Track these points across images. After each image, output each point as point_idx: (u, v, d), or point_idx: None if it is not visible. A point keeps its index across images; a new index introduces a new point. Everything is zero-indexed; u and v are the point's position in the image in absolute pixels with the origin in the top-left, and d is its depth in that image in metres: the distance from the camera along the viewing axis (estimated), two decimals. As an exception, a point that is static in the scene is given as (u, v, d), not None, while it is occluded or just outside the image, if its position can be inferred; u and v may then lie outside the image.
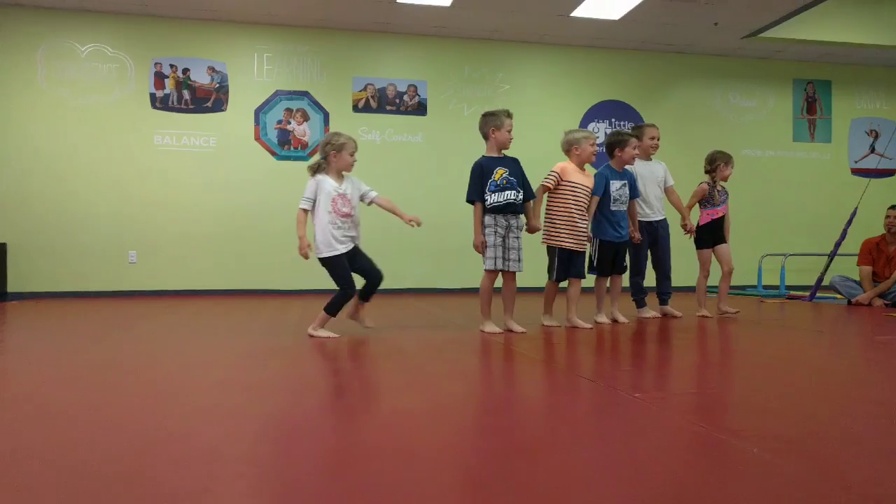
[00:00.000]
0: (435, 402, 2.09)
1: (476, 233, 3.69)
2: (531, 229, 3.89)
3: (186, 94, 7.33)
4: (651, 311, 4.60)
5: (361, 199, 3.75)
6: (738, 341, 3.56)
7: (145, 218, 7.17)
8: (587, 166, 4.13)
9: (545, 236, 4.01)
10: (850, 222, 6.18)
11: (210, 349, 3.22)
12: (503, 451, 1.50)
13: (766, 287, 7.88)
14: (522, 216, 3.84)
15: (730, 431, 1.67)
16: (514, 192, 3.73)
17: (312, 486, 1.29)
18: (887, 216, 5.71)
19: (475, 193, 3.72)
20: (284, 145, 7.54)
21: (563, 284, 4.11)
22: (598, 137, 4.15)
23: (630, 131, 4.53)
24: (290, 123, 7.56)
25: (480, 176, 3.73)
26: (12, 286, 6.84)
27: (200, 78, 7.35)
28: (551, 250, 4.01)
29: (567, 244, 3.95)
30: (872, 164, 8.78)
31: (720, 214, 4.65)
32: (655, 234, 4.58)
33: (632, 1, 6.75)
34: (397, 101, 7.77)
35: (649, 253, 4.63)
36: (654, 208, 4.60)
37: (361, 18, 7.29)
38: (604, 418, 1.88)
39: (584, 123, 8.13)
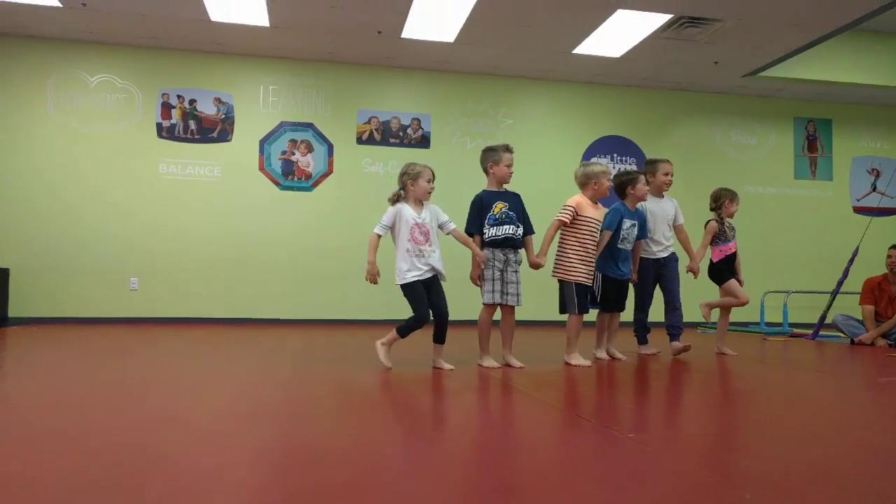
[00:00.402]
0: (422, 434, 2.06)
1: (473, 265, 3.70)
2: (532, 265, 3.84)
3: (192, 125, 7.41)
4: (652, 348, 4.56)
5: (440, 227, 3.74)
6: (739, 380, 3.53)
7: (148, 245, 7.20)
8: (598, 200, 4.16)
9: (559, 271, 3.97)
10: (851, 261, 6.16)
11: (207, 377, 3.19)
12: (490, 489, 1.48)
13: (768, 324, 7.83)
14: (521, 251, 3.83)
15: (724, 475, 1.64)
16: (513, 226, 3.74)
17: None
18: (889, 255, 5.70)
19: (473, 226, 3.75)
20: (288, 176, 7.59)
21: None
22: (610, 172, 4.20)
23: (637, 169, 4.51)
24: (294, 154, 7.63)
25: (480, 209, 3.76)
26: (14, 311, 6.84)
27: (207, 108, 7.45)
28: (566, 285, 3.95)
29: (583, 279, 3.92)
30: (874, 202, 8.79)
31: (732, 250, 4.65)
32: (662, 269, 4.50)
33: (633, 39, 6.85)
34: (401, 133, 7.85)
35: (658, 288, 4.55)
36: (661, 245, 4.51)
37: (367, 53, 7.41)
38: (596, 459, 1.86)
39: (586, 159, 8.17)
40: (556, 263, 3.99)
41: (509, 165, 3.81)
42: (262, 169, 7.54)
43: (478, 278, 3.69)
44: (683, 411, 2.65)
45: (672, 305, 4.46)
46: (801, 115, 8.83)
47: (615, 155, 8.26)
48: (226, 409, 2.49)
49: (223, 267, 7.31)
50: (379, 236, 3.64)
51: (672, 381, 3.45)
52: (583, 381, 3.30)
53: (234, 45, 7.26)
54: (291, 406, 2.59)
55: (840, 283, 6.19)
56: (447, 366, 3.60)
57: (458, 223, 3.81)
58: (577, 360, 3.87)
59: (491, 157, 3.82)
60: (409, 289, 3.59)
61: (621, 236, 4.17)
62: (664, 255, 4.51)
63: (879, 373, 3.99)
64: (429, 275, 3.59)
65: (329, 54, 7.50)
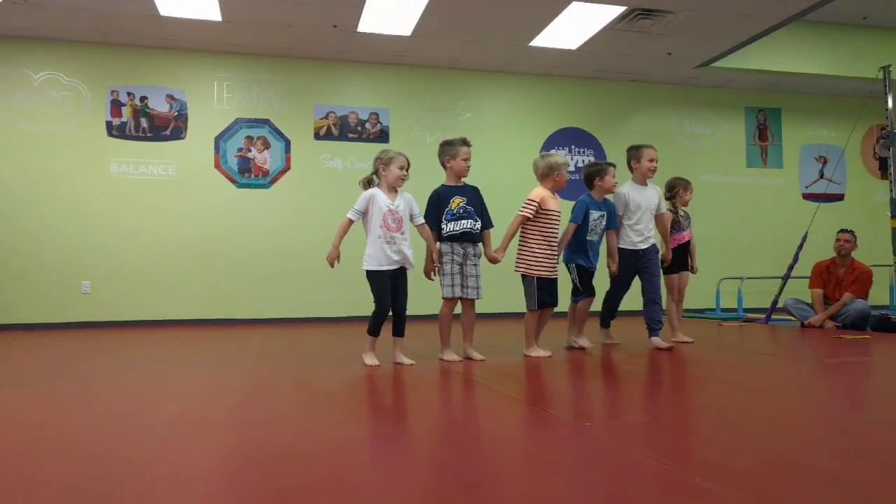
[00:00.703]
0: (384, 432, 2.06)
1: (427, 259, 3.74)
2: (490, 260, 3.83)
3: (144, 122, 7.23)
4: (612, 338, 4.59)
5: (411, 219, 3.72)
6: (694, 366, 3.61)
7: (101, 247, 7.00)
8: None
9: (521, 265, 3.92)
10: (801, 246, 6.35)
11: (164, 381, 3.13)
12: (453, 486, 1.49)
13: (724, 310, 8.03)
14: (481, 244, 3.84)
15: (676, 461, 1.67)
16: (470, 221, 3.74)
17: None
18: (837, 239, 5.88)
19: (430, 221, 3.75)
20: (245, 173, 7.47)
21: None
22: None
23: (605, 161, 4.44)
24: (250, 151, 7.50)
25: (437, 204, 3.77)
26: (-42, 320, 6.59)
27: (159, 106, 7.27)
28: (528, 279, 3.91)
29: (545, 273, 3.89)
30: (821, 188, 9.08)
31: (686, 239, 4.73)
32: (642, 261, 4.34)
33: (588, 32, 6.92)
34: (359, 128, 7.79)
35: (638, 280, 4.41)
36: (642, 236, 4.35)
37: (322, 47, 7.32)
38: (550, 447, 1.88)
39: (545, 151, 8.24)
40: (517, 258, 3.95)
41: (466, 159, 3.79)
42: (217, 167, 7.40)
43: (431, 273, 3.74)
44: (637, 399, 2.70)
45: (652, 299, 4.30)
46: (752, 104, 9.05)
47: (573, 147, 8.34)
48: (183, 413, 2.44)
49: (180, 268, 7.16)
50: (350, 221, 3.60)
51: (629, 369, 3.51)
52: (543, 372, 3.34)
53: (186, 41, 7.10)
54: (251, 409, 2.56)
55: (790, 268, 6.38)
56: (407, 360, 3.60)
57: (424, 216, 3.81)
58: (536, 352, 3.88)
59: (448, 150, 3.82)
60: (373, 277, 3.58)
61: (590, 227, 4.16)
62: (644, 246, 4.36)
63: (828, 354, 4.12)
64: (395, 266, 3.58)
65: (284, 49, 7.38)
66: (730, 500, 1.37)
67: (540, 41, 7.17)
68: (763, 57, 8.01)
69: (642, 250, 4.37)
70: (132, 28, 6.73)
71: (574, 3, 6.25)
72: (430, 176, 4.43)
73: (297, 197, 7.52)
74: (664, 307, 4.57)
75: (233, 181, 7.42)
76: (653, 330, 4.30)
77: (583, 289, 4.24)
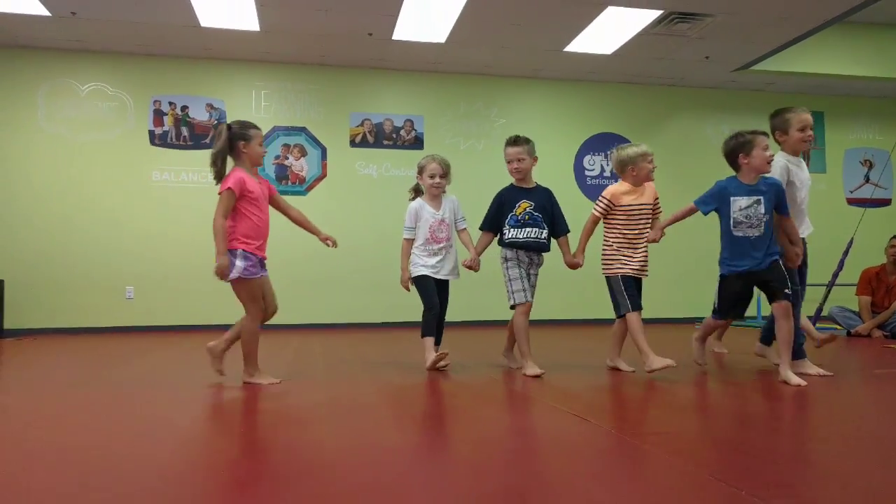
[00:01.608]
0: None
1: (476, 255, 3.63)
2: (570, 265, 3.61)
3: (185, 131, 7.40)
4: (812, 367, 3.43)
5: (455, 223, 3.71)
6: (730, 378, 3.53)
7: (143, 253, 7.18)
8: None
9: (603, 266, 3.56)
10: (846, 252, 6.17)
11: (206, 384, 3.18)
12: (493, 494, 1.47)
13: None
14: (544, 254, 3.64)
15: (722, 476, 1.64)
16: (536, 229, 3.52)
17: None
18: (892, 245, 5.71)
19: (487, 223, 3.62)
20: (282, 180, 7.58)
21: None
22: (652, 153, 3.61)
23: (753, 129, 3.34)
24: (287, 158, 7.61)
25: (500, 207, 3.59)
26: (9, 322, 6.80)
27: (199, 115, 7.43)
28: (611, 280, 3.52)
29: (623, 270, 3.47)
30: (867, 193, 8.82)
31: None
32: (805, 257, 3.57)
33: (623, 36, 6.85)
34: (394, 135, 7.84)
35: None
36: (804, 223, 3.56)
37: (358, 55, 7.40)
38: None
39: (579, 156, 8.19)
40: (601, 259, 3.59)
41: (510, 161, 3.61)
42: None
43: (473, 265, 3.62)
44: (673, 411, 2.65)
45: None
46: (793, 108, 8.84)
47: (607, 153, 8.26)
48: (225, 416, 2.48)
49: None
50: (408, 241, 3.65)
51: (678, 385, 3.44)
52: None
53: (225, 51, 7.24)
54: (294, 412, 2.58)
55: (835, 276, 6.20)
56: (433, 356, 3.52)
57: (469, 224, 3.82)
58: (657, 362, 3.22)
59: (505, 153, 3.69)
60: (418, 282, 3.59)
61: (734, 220, 3.27)
62: (804, 236, 3.54)
63: (876, 364, 3.99)
64: (441, 276, 3.59)
65: (320, 57, 7.48)
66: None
67: (574, 46, 7.13)
68: (804, 59, 7.83)
69: (804, 241, 3.55)
70: (174, 39, 6.90)
71: (610, 8, 6.20)
72: (467, 183, 4.44)
73: (333, 203, 7.60)
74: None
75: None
76: (795, 353, 3.38)
77: (718, 305, 3.47)
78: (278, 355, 4.59)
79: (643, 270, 3.51)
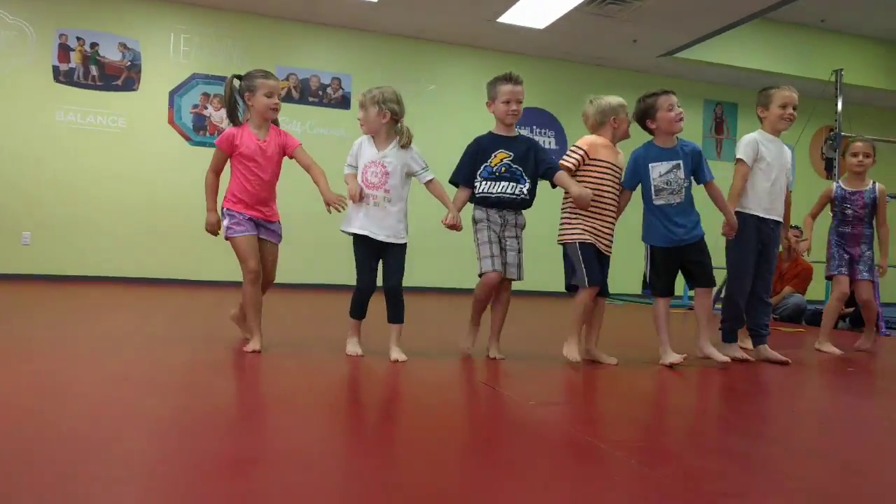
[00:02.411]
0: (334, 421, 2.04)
1: (455, 212, 2.94)
2: (578, 203, 2.93)
3: (94, 70, 6.92)
4: (739, 351, 3.33)
5: (414, 176, 2.95)
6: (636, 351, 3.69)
7: (43, 197, 6.72)
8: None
9: (560, 233, 3.04)
10: (747, 238, 6.54)
11: (103, 340, 3.04)
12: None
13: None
14: (524, 213, 3.07)
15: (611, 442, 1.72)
16: (511, 184, 2.96)
17: (201, 490, 1.24)
18: (785, 237, 6.07)
19: (460, 175, 3.03)
20: (200, 130, 7.25)
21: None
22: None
23: (654, 91, 3.21)
24: (206, 108, 7.28)
25: (474, 156, 3.02)
26: None
27: (110, 54, 6.96)
28: (569, 248, 2.98)
29: (584, 236, 2.95)
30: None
31: None
32: (766, 240, 3.37)
33: (557, 11, 6.90)
34: (320, 93, 7.64)
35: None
36: (774, 204, 3.36)
37: (287, 6, 7.11)
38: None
39: (506, 128, 8.25)
40: (559, 225, 3.07)
41: (508, 101, 3.00)
42: (171, 122, 7.16)
43: (452, 224, 2.92)
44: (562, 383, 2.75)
45: (760, 296, 3.38)
46: (711, 97, 9.22)
47: (535, 127, 8.36)
48: (126, 374, 2.38)
49: (127, 223, 6.94)
50: (351, 175, 2.93)
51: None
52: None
53: (143, -13, 6.79)
54: (200, 371, 2.51)
55: (736, 260, 6.57)
56: (400, 356, 2.80)
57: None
58: (572, 351, 2.87)
59: (489, 91, 3.11)
60: (353, 244, 2.91)
61: (654, 188, 3.03)
62: (772, 218, 3.36)
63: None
64: (379, 236, 2.84)
65: (248, 4, 7.14)
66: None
67: (508, 17, 7.12)
68: (724, 51, 8.15)
69: (771, 224, 3.36)
70: (85, -31, 6.40)
71: (545, -18, 6.22)
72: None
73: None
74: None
75: (187, 138, 7.20)
76: (761, 336, 3.39)
77: (652, 279, 3.13)
78: (189, 310, 4.43)
79: (608, 248, 3.03)
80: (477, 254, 2.97)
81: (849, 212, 3.98)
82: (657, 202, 3.04)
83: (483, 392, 2.39)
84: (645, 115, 3.12)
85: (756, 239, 3.31)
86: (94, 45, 6.91)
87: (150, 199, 7.01)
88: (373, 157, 2.90)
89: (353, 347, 2.91)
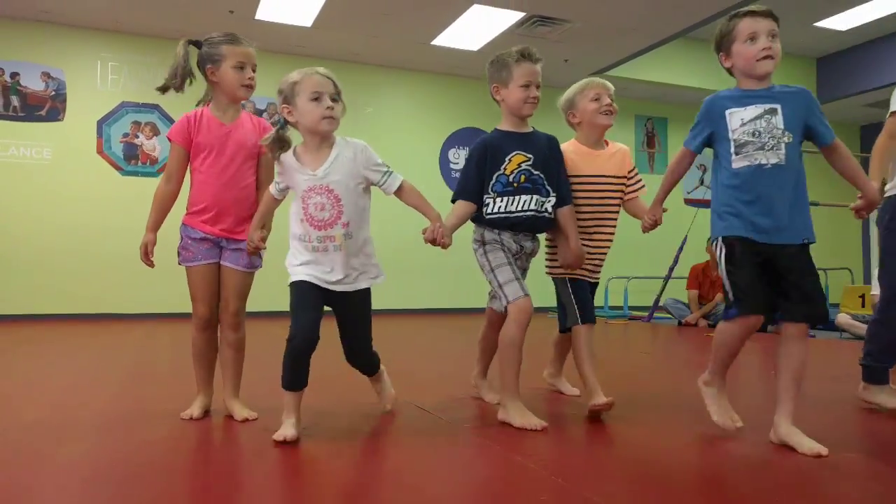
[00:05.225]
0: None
1: (439, 221, 2.08)
2: (568, 262, 2.34)
3: (16, 101, 6.67)
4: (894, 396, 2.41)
5: (378, 187, 2.11)
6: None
7: (-38, 236, 6.40)
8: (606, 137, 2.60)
9: (547, 264, 2.50)
10: (681, 249, 6.77)
11: (26, 383, 2.90)
12: None
13: (611, 308, 8.44)
14: (540, 237, 2.41)
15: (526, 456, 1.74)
16: (536, 197, 2.25)
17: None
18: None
19: (464, 190, 2.27)
20: (131, 160, 7.06)
21: None
22: (605, 88, 2.53)
23: (750, 11, 2.06)
24: (137, 137, 7.10)
25: (481, 161, 2.26)
26: None
27: (33, 84, 6.73)
28: (557, 285, 2.46)
29: (574, 273, 2.41)
30: (701, 194, 9.72)
31: None
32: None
33: (489, 34, 7.05)
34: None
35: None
36: None
37: (218, 32, 7.02)
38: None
39: (444, 149, 8.33)
40: (546, 255, 2.52)
41: (528, 85, 2.27)
42: (100, 152, 6.95)
43: (437, 239, 2.07)
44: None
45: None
46: (641, 113, 9.55)
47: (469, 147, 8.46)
48: (42, 420, 2.28)
49: (57, 258, 6.67)
50: (274, 199, 2.18)
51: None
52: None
53: (65, 15, 6.60)
54: (128, 417, 2.42)
55: (671, 270, 6.79)
56: (388, 405, 2.31)
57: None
58: (601, 397, 2.23)
59: (496, 74, 2.32)
60: (292, 290, 2.04)
61: (734, 142, 2.00)
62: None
63: (697, 352, 4.43)
64: (334, 286, 2.03)
65: (177, 32, 7.01)
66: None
67: (442, 41, 7.23)
68: (653, 69, 8.47)
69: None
70: (3, -2, 6.19)
71: (475, 6, 6.34)
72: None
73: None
74: None
75: (118, 168, 7.00)
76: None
77: (736, 293, 1.93)
78: (120, 348, 4.27)
79: (595, 272, 2.49)
80: (492, 282, 2.24)
81: None
82: (737, 165, 1.98)
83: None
84: (719, 47, 2.15)
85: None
86: (14, 74, 6.66)
87: (82, 232, 6.76)
88: (308, 179, 2.02)
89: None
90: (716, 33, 2.15)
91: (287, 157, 2.06)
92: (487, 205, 2.25)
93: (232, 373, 2.29)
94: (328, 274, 2.03)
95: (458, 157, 8.35)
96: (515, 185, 2.24)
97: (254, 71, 2.31)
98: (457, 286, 7.81)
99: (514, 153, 2.26)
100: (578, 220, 2.38)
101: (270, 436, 1.92)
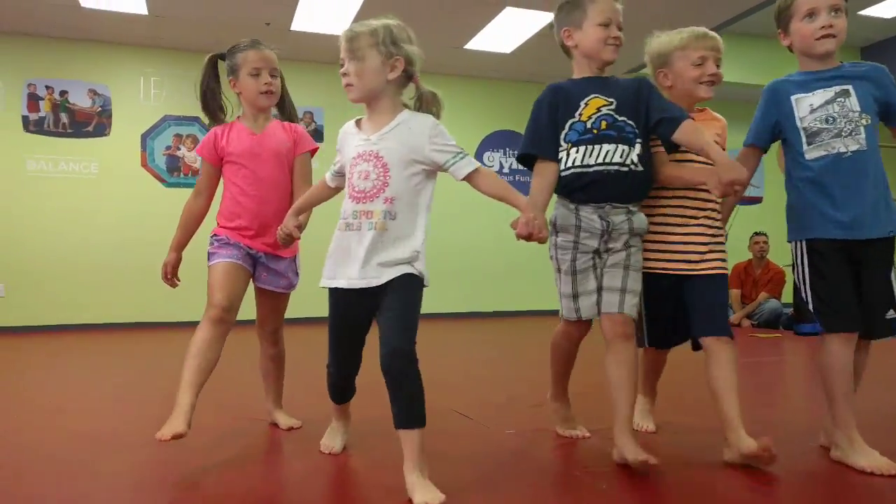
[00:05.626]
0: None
1: (532, 210, 1.70)
2: (724, 180, 1.74)
3: (64, 118, 6.91)
4: None
5: (445, 170, 1.78)
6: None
7: (17, 248, 6.65)
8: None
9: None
10: (722, 247, 6.65)
11: (73, 393, 3.01)
12: None
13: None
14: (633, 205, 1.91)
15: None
16: (621, 146, 1.85)
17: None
18: (756, 242, 6.20)
19: (535, 141, 1.93)
20: (174, 172, 7.25)
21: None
22: (712, 42, 2.14)
23: None
24: (179, 149, 7.28)
25: (554, 109, 1.91)
26: None
27: (80, 101, 6.96)
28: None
29: (653, 262, 1.95)
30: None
31: None
32: None
33: (521, 36, 7.04)
34: (293, 127, 7.67)
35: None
36: None
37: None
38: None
39: (479, 152, 8.34)
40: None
41: (606, 23, 1.94)
42: (144, 165, 7.15)
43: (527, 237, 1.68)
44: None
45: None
46: (678, 110, 9.39)
47: (507, 149, 8.45)
48: (88, 431, 2.35)
49: (104, 269, 6.88)
50: (326, 187, 1.95)
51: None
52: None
53: (110, 34, 6.81)
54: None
55: (712, 269, 6.67)
56: (431, 497, 1.55)
57: None
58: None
59: (566, 17, 2.00)
60: (329, 301, 1.81)
61: (805, 132, 1.86)
62: None
63: (742, 353, 4.34)
64: (365, 283, 1.69)
65: (215, 45, 7.12)
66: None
67: (475, 44, 7.24)
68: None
69: None
70: (51, 19, 6.41)
71: (508, 8, 6.34)
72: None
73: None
74: None
75: (161, 180, 7.19)
76: None
77: (820, 300, 1.79)
78: (167, 357, 4.39)
79: (700, 260, 1.93)
80: (557, 287, 1.93)
81: None
82: (811, 156, 1.81)
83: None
84: (778, 23, 1.96)
85: None
86: (63, 92, 6.90)
87: (127, 244, 6.97)
88: (360, 145, 1.76)
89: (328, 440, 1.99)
90: (774, 8, 1.95)
91: (348, 123, 1.86)
92: (560, 160, 1.87)
93: (274, 384, 2.33)
94: (346, 266, 1.70)
95: (493, 160, 8.34)
96: (595, 131, 1.84)
97: (273, 76, 2.21)
98: (506, 288, 7.79)
99: (592, 96, 1.88)
100: (673, 205, 1.93)
101: (316, 444, 1.96)
